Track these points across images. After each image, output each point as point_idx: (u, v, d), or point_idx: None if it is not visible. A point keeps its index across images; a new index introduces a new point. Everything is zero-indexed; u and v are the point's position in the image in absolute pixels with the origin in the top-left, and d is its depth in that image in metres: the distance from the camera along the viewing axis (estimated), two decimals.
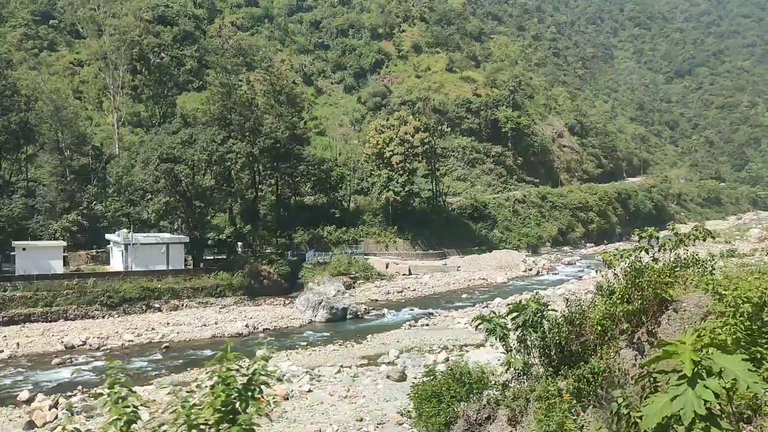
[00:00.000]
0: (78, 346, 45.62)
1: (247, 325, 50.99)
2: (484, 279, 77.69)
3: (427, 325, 50.57)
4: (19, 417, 28.01)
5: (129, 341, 46.75)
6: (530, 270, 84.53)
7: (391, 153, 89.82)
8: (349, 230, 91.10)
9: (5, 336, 47.91)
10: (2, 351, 43.91)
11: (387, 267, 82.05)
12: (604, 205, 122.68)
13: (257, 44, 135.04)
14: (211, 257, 73.50)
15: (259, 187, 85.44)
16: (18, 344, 45.25)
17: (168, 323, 51.84)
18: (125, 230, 68.55)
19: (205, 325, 50.92)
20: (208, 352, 42.87)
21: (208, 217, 69.20)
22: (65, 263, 72.63)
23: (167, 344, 45.81)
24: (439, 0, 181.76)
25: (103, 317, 58.65)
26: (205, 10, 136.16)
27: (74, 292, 60.46)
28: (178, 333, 48.53)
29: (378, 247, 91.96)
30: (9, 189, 78.31)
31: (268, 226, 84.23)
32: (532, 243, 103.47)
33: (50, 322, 56.50)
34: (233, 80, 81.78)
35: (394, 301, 64.63)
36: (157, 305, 62.77)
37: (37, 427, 26.45)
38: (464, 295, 66.75)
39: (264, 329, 51.01)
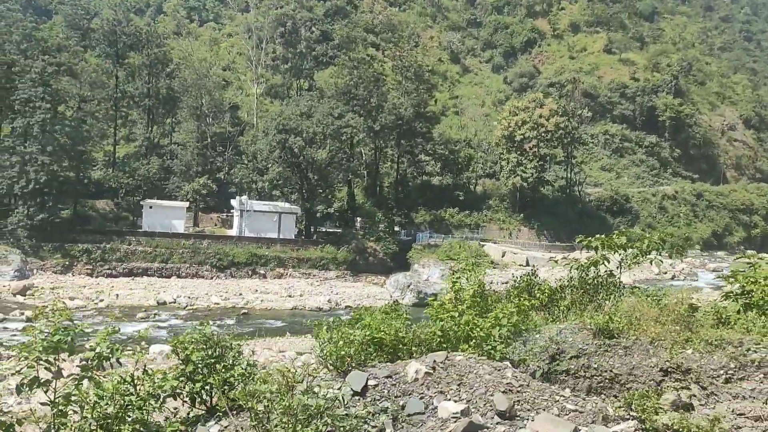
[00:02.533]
0: (168, 303, 47.95)
1: (329, 300, 50.88)
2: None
3: None
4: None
5: (215, 303, 48.38)
6: (665, 273, 76.74)
7: (522, 136, 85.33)
8: (472, 214, 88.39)
9: (113, 287, 51.61)
10: (102, 300, 47.23)
11: (503, 255, 78.43)
12: None
13: (407, 20, 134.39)
14: (324, 230, 74.57)
15: (381, 163, 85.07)
16: (117, 296, 48.45)
17: (256, 290, 53.09)
18: (244, 197, 71.33)
19: (290, 296, 51.51)
20: (278, 324, 43.13)
21: (321, 191, 69.71)
22: (196, 223, 77.50)
23: (246, 311, 46.79)
24: None
25: (211, 278, 61.54)
26: None
27: (189, 252, 64.01)
28: (261, 301, 49.46)
29: (501, 233, 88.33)
30: (156, 151, 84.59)
31: (386, 203, 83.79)
32: (678, 244, 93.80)
33: (164, 277, 60.35)
34: (360, 55, 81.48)
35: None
36: (262, 272, 64.83)
37: (64, 377, 27.69)
38: None
39: (346, 306, 50.56)
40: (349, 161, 75.72)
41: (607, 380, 8.16)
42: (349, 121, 69.27)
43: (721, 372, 7.64)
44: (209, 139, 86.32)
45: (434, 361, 8.01)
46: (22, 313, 40.97)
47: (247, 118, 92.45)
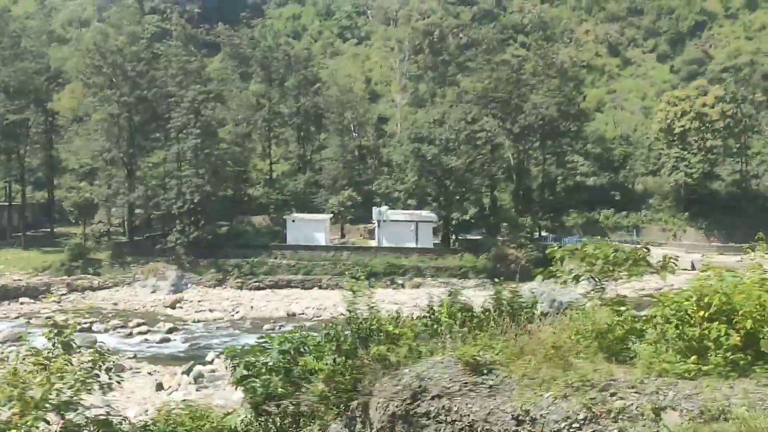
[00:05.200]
0: (297, 314, 49.69)
1: None
2: None
3: None
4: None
5: (340, 314, 49.14)
6: None
7: (681, 128, 78.05)
8: (630, 215, 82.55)
9: (252, 299, 54.59)
10: (238, 312, 50.10)
11: (664, 259, 71.96)
12: None
13: (560, 15, 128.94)
14: (464, 237, 73.35)
15: (526, 166, 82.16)
16: (252, 307, 51.11)
17: (385, 300, 53.17)
18: (383, 207, 72.28)
19: (416, 306, 50.88)
20: None
21: (458, 198, 68.69)
22: (342, 235, 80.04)
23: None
24: None
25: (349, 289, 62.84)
26: None
27: (330, 263, 66.12)
28: (387, 311, 49.40)
29: (664, 235, 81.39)
30: (309, 167, 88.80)
31: (532, 208, 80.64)
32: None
33: (306, 289, 62.79)
34: (498, 57, 79.49)
35: (643, 300, 56.37)
36: (400, 281, 65.18)
37: (163, 390, 29.57)
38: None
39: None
40: (488, 166, 73.88)
41: (467, 426, 6.77)
42: (483, 125, 67.60)
43: (564, 424, 5.98)
44: (356, 152, 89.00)
45: None
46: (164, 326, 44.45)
47: (391, 128, 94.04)
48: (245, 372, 9.15)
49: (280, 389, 8.69)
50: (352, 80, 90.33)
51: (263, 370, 9.02)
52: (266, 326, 45.92)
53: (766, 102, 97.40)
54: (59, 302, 56.34)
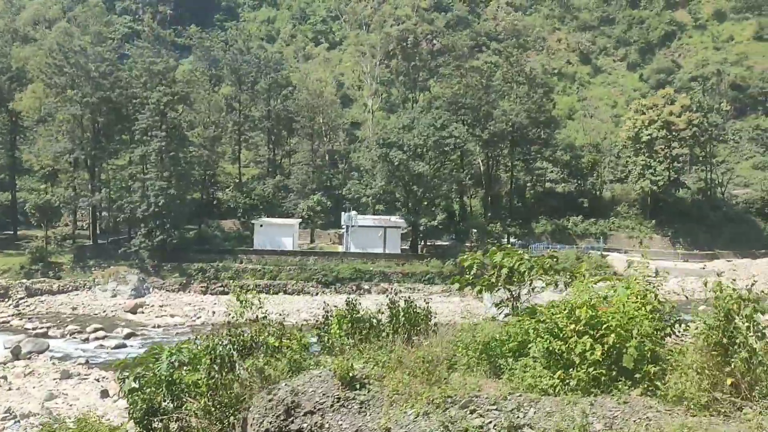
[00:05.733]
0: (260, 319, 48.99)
1: None
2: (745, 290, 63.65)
3: None
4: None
5: (304, 320, 48.72)
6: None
7: (648, 136, 78.82)
8: (598, 222, 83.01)
9: (215, 303, 53.87)
10: (199, 317, 49.40)
11: (629, 266, 72.46)
12: None
13: (533, 24, 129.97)
14: (432, 243, 73.28)
15: (496, 173, 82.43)
16: (214, 312, 50.44)
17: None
18: (353, 212, 71.91)
19: (381, 312, 50.57)
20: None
21: (426, 203, 68.60)
22: (312, 240, 79.54)
23: None
24: None
25: (316, 294, 62.52)
26: None
27: (296, 268, 65.61)
28: None
29: (630, 242, 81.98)
30: (279, 171, 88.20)
31: (500, 214, 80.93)
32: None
33: (271, 294, 62.07)
34: (468, 63, 79.72)
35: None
36: (366, 287, 64.82)
37: (108, 397, 28.97)
38: (701, 307, 55.38)
39: (437, 323, 48.80)
40: (457, 172, 73.94)
41: None
42: (452, 131, 67.62)
43: None
44: (326, 157, 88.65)
45: None
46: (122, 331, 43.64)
47: (363, 133, 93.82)
48: (134, 385, 8.79)
49: (163, 404, 8.35)
50: (323, 84, 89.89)
51: (152, 383, 8.68)
52: (224, 332, 45.19)
53: (732, 111, 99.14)
54: (17, 306, 55.17)
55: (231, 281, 63.13)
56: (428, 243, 73.32)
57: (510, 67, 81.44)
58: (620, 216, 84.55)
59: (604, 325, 6.48)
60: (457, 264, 68.61)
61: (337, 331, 9.53)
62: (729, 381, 5.82)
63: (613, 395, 5.98)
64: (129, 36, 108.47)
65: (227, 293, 61.33)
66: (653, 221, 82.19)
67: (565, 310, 6.78)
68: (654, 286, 7.24)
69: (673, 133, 79.55)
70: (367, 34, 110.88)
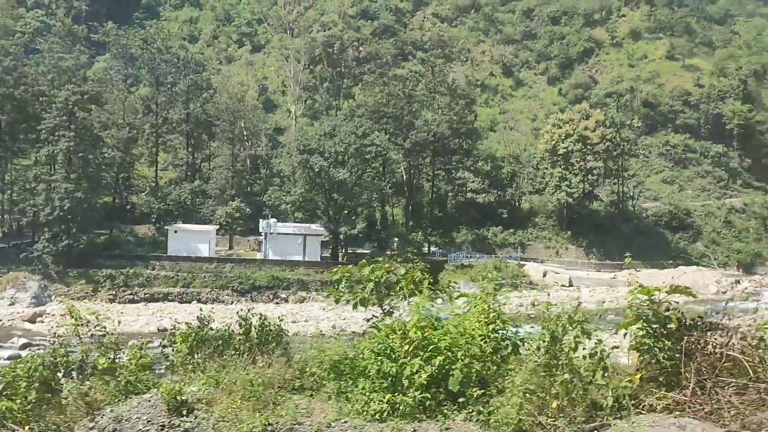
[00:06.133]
0: (169, 329, 47.18)
1: (334, 326, 48.82)
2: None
3: None
4: None
5: (210, 329, 47.27)
6: (723, 293, 70.42)
7: (564, 150, 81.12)
8: (517, 232, 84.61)
9: (122, 312, 51.49)
10: (105, 327, 46.99)
11: (545, 275, 74.29)
12: None
13: (458, 35, 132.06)
14: (353, 251, 72.83)
15: (418, 182, 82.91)
16: (119, 322, 48.08)
17: (261, 314, 51.60)
18: (272, 219, 70.63)
19: (295, 322, 49.71)
20: None
21: (347, 211, 68.15)
22: (231, 247, 77.64)
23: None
24: None
25: (231, 303, 60.80)
26: (410, 3, 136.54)
27: (211, 276, 63.69)
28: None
29: (547, 252, 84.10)
30: (194, 175, 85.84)
31: (422, 223, 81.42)
32: (746, 261, 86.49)
33: (184, 302, 60.18)
34: (390, 72, 79.98)
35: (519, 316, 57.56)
36: (284, 296, 63.65)
37: None
38: (610, 317, 57.11)
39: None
40: (379, 180, 73.84)
41: None
42: (374, 139, 67.47)
43: None
44: (248, 162, 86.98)
45: None
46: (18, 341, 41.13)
47: (287, 139, 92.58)
48: None
49: None
50: (245, 88, 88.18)
51: None
52: (131, 342, 43.29)
53: (643, 127, 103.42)
54: None
55: (140, 288, 60.90)
56: (349, 251, 72.85)
57: (433, 77, 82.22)
58: (538, 227, 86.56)
59: (431, 347, 6.11)
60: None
61: (181, 349, 8.86)
62: (554, 404, 5.56)
63: (437, 420, 5.63)
64: (40, 31, 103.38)
65: (137, 302, 59.22)
66: (569, 232, 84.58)
67: (399, 330, 6.38)
68: (499, 305, 6.90)
69: (588, 147, 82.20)
70: (292, 38, 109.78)
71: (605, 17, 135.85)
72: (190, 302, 59.81)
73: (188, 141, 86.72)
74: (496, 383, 6.05)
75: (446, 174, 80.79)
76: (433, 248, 78.42)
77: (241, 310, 10.77)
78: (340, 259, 71.24)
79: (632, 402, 5.47)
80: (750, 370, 5.19)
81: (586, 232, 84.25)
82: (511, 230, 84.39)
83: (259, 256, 71.22)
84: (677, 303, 6.15)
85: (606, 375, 5.63)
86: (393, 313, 11.05)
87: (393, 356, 6.30)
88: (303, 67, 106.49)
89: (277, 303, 61.66)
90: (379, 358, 6.36)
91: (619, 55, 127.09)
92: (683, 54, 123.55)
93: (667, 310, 5.94)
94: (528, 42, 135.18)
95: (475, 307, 6.77)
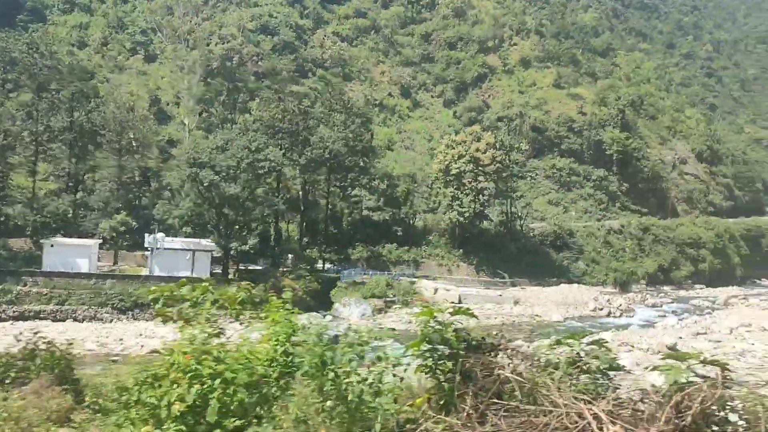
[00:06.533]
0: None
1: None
2: (536, 315, 68.96)
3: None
4: None
5: (88, 350, 44.73)
6: (600, 309, 74.35)
7: (457, 170, 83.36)
8: (411, 250, 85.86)
9: None
10: None
11: (435, 292, 75.60)
12: (724, 242, 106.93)
13: (358, 55, 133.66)
14: (245, 268, 71.44)
15: (314, 199, 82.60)
16: None
17: (141, 334, 49.56)
18: (160, 234, 68.10)
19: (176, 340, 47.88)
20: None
21: (238, 227, 66.79)
22: (116, 262, 74.07)
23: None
24: (567, 13, 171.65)
25: (111, 321, 57.97)
26: (310, 21, 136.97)
27: (89, 293, 60.36)
28: (142, 346, 45.89)
29: (440, 270, 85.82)
30: (76, 187, 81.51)
31: (317, 240, 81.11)
32: (622, 279, 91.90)
33: (58, 321, 56.68)
34: (287, 88, 79.59)
35: (411, 333, 58.32)
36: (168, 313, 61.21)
37: None
38: (493, 332, 58.71)
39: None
40: (273, 196, 72.95)
41: None
42: (268, 154, 66.63)
43: None
44: (136, 175, 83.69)
45: None
46: None
47: (180, 152, 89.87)
48: None
49: None
50: (135, 98, 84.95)
51: None
52: None
53: (531, 151, 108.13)
54: None
55: (9, 306, 56.91)
56: (241, 267, 71.35)
57: (330, 95, 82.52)
58: (431, 245, 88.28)
59: (190, 374, 5.76)
60: (267, 288, 67.45)
61: None
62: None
63: None
64: None
65: (4, 320, 55.16)
66: (461, 250, 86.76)
67: (169, 355, 6.01)
68: (294, 326, 6.56)
69: (480, 168, 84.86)
70: (188, 49, 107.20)
71: (498, 44, 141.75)
72: (64, 320, 56.48)
73: (71, 151, 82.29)
74: (270, 411, 5.79)
75: (341, 191, 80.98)
76: (328, 265, 78.15)
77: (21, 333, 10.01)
78: (231, 275, 69.65)
79: (412, 427, 5.39)
80: (519, 393, 5.26)
81: (476, 251, 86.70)
82: (406, 248, 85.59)
83: (144, 272, 68.43)
84: (463, 324, 6.14)
85: (379, 400, 5.50)
86: (222, 334, 10.67)
87: (156, 384, 5.88)
88: (199, 79, 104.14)
89: (158, 320, 59.27)
90: (144, 386, 5.92)
91: (511, 81, 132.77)
92: (569, 83, 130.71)
93: (456, 331, 5.92)
94: (426, 65, 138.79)
95: (269, 329, 6.45)
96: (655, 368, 5.45)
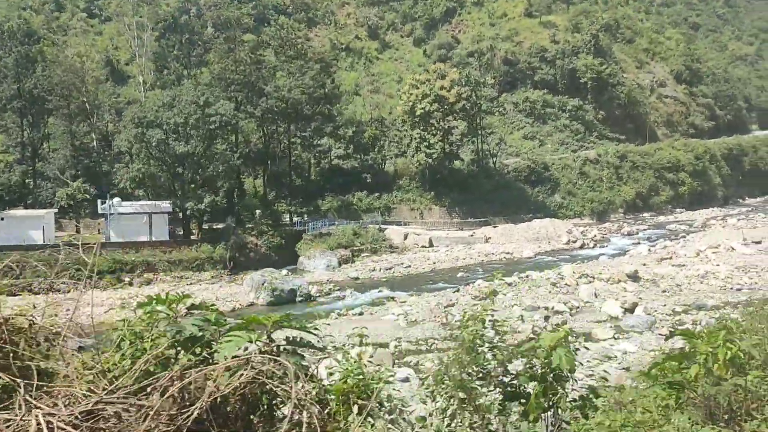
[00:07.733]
0: None
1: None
2: (508, 253, 67.72)
3: (362, 314, 42.83)
4: None
5: (41, 326, 43.45)
6: (574, 242, 73.11)
7: (422, 110, 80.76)
8: (382, 197, 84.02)
9: None
10: None
11: (405, 238, 74.22)
12: (704, 164, 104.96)
13: None
14: (209, 226, 69.84)
15: (274, 152, 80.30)
16: None
17: (96, 304, 48.02)
18: (116, 199, 66.15)
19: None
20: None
21: (193, 185, 64.79)
22: (78, 231, 72.31)
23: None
24: None
25: (68, 291, 56.39)
26: None
27: (44, 264, 58.63)
28: (106, 313, 44.54)
29: (413, 214, 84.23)
30: (33, 157, 79.08)
31: (282, 193, 79.25)
32: (599, 209, 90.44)
33: (12, 295, 54.79)
34: (237, 36, 76.31)
35: (374, 280, 57.19)
36: (127, 279, 59.91)
37: None
38: (459, 274, 57.70)
39: None
40: (231, 152, 70.65)
41: None
42: (218, 108, 64.08)
43: None
44: (94, 140, 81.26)
45: None
46: None
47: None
48: None
49: None
50: (84, 59, 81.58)
51: None
52: None
53: (503, 84, 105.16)
54: None
55: None
56: (206, 227, 69.73)
57: (282, 41, 79.26)
58: (402, 189, 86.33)
59: None
60: (229, 247, 65.96)
61: None
62: None
63: None
64: None
65: None
66: (432, 193, 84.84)
67: None
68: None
69: (446, 107, 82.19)
70: (142, 3, 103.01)
71: None
72: (18, 294, 55.09)
73: (23, 120, 79.57)
74: None
75: (303, 141, 78.57)
76: (296, 218, 76.49)
77: None
78: (196, 236, 68.14)
79: None
80: None
81: (449, 192, 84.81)
82: (377, 194, 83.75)
83: (103, 238, 66.77)
84: None
85: None
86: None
87: None
88: (157, 35, 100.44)
89: (122, 287, 57.93)
90: None
91: (481, 14, 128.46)
92: (540, 11, 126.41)
93: None
94: (393, 3, 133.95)
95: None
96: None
